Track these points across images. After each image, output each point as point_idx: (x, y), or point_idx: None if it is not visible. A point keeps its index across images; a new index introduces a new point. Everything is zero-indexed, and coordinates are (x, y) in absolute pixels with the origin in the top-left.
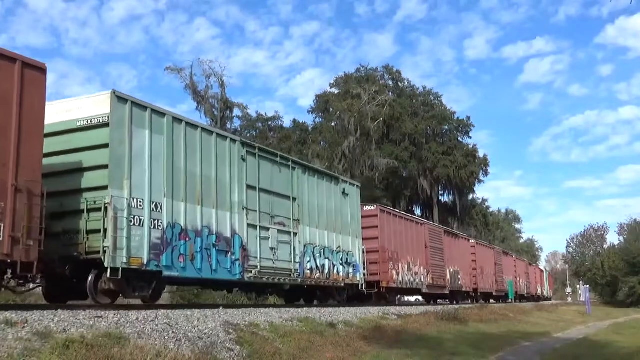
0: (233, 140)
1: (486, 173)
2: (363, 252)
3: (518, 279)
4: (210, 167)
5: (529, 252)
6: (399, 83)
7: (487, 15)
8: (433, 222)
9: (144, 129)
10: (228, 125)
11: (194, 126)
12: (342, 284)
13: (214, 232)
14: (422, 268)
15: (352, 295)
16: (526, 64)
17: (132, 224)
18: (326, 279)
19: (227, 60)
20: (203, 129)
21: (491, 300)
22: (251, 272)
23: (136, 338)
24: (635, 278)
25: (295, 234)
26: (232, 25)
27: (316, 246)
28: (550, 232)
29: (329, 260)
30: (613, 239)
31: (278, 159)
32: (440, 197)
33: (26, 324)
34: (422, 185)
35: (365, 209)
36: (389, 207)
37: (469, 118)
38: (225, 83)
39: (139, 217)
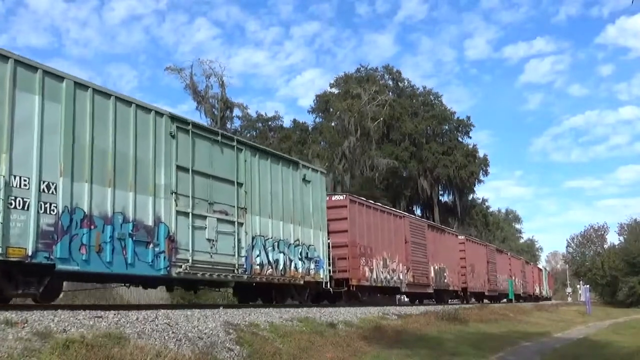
0: (159, 114)
1: (486, 173)
2: (328, 247)
3: (513, 277)
4: (128, 144)
5: (529, 252)
6: (399, 83)
7: (488, 15)
8: (433, 221)
9: (32, 94)
10: (228, 125)
11: (105, 94)
12: (302, 282)
13: (131, 220)
14: (401, 265)
15: (318, 295)
16: (527, 64)
17: (11, 206)
18: (281, 275)
19: (228, 60)
20: (118, 99)
21: (485, 300)
22: (180, 266)
23: (136, 338)
24: (635, 278)
25: (241, 224)
26: (232, 25)
27: (268, 238)
28: (550, 232)
29: (285, 254)
30: (613, 239)
31: (219, 138)
32: (440, 197)
33: (26, 324)
34: (422, 185)
35: (333, 198)
36: (369, 199)
37: (469, 118)
38: (225, 83)
39: (21, 198)
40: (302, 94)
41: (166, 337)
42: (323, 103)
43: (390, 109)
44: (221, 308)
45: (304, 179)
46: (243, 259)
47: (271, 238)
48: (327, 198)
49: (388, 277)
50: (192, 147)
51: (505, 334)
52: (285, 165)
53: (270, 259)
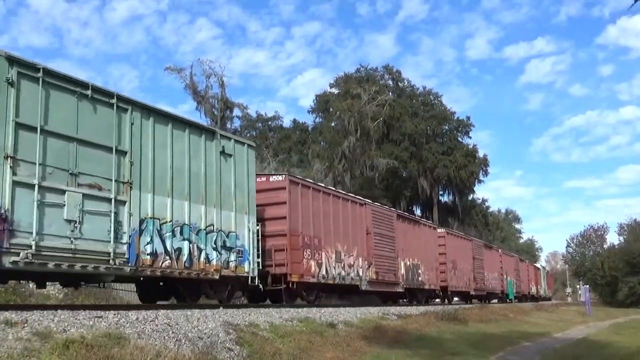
0: None
1: (486, 173)
2: (258, 235)
3: (505, 276)
4: None
5: (529, 252)
6: (399, 83)
7: (489, 16)
8: (433, 222)
9: None
10: (228, 125)
11: None
12: (217, 276)
13: None
14: (360, 259)
15: (255, 293)
16: (527, 64)
17: None
18: (184, 268)
19: (229, 60)
20: None
21: (474, 301)
22: (18, 254)
23: (136, 338)
24: (635, 278)
25: (123, 203)
26: (233, 25)
27: (166, 222)
28: (550, 232)
29: (191, 242)
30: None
31: (89, 92)
32: (440, 197)
33: (26, 324)
34: (422, 186)
35: (270, 179)
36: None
37: (468, 118)
38: (225, 83)
39: None
40: (302, 94)
41: (166, 337)
42: (323, 103)
43: (390, 109)
44: (221, 308)
45: (222, 152)
46: (124, 247)
47: (170, 222)
48: (264, 179)
49: (343, 273)
50: (45, 100)
51: (505, 334)
52: (196, 133)
53: (169, 247)
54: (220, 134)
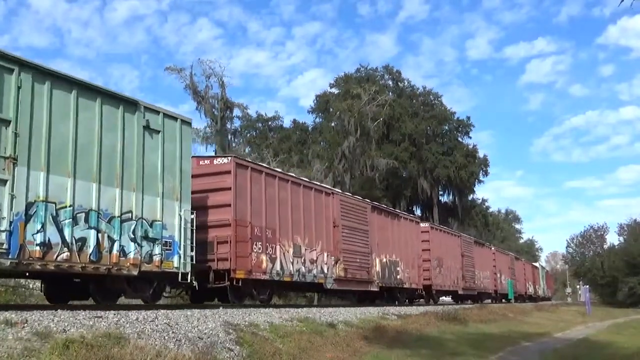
0: None
1: (486, 173)
2: (192, 225)
3: (498, 275)
4: None
5: (529, 252)
6: (399, 83)
7: (489, 16)
8: (433, 222)
9: None
10: (228, 125)
11: None
12: (135, 272)
13: None
14: (326, 255)
15: (203, 292)
16: (528, 64)
17: None
18: (90, 262)
19: (229, 60)
20: None
21: (468, 301)
22: None
23: (136, 338)
24: (635, 278)
25: (4, 182)
26: (234, 25)
27: (64, 207)
28: (551, 232)
29: (101, 232)
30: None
31: None
32: (440, 198)
33: (26, 324)
34: (422, 186)
35: (215, 162)
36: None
37: (468, 118)
38: (225, 83)
39: None
40: (303, 94)
41: (166, 337)
42: (323, 103)
43: (390, 109)
44: (221, 308)
45: (147, 127)
46: (3, 235)
47: (71, 206)
48: (208, 161)
49: (303, 269)
50: None
51: (505, 334)
52: (111, 103)
53: (68, 237)
54: (145, 106)
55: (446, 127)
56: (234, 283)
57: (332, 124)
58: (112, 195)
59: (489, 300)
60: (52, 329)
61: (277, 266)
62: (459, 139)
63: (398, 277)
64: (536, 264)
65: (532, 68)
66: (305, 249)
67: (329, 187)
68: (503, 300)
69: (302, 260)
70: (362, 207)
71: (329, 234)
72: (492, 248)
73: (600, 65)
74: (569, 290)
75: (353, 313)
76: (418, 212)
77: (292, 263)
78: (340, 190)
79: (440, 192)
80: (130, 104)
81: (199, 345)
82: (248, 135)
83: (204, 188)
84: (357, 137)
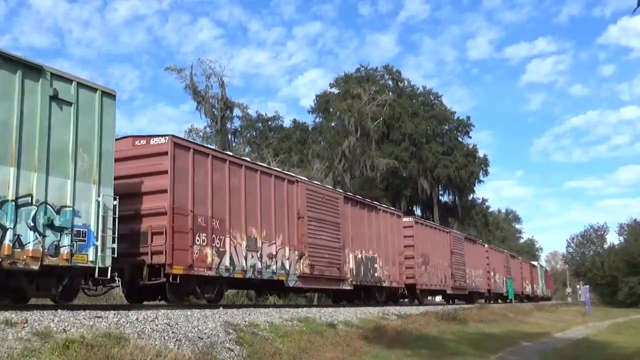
0: None
1: (486, 173)
2: (114, 212)
3: (491, 273)
4: None
5: (529, 252)
6: (399, 83)
7: (490, 16)
8: (433, 221)
9: None
10: (228, 125)
11: None
12: (35, 266)
13: None
14: (288, 249)
15: (141, 290)
16: (528, 64)
17: None
18: None
19: (230, 60)
20: None
21: (457, 301)
22: None
23: (136, 338)
24: (635, 278)
25: None
26: (235, 25)
27: None
28: (551, 232)
29: None
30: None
31: None
32: (440, 197)
33: (26, 324)
34: (422, 185)
35: (152, 142)
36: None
37: (468, 118)
38: (225, 83)
39: None
40: (304, 94)
41: (166, 337)
42: (323, 103)
43: (390, 109)
44: (221, 308)
45: (55, 98)
46: None
47: None
48: (144, 141)
49: (259, 265)
50: None
51: (505, 334)
52: (5, 67)
53: None
54: (53, 73)
55: (446, 127)
56: (172, 280)
57: (332, 124)
58: (4, 175)
59: (483, 300)
60: (52, 329)
61: (226, 261)
62: (459, 138)
63: (376, 274)
64: (534, 263)
65: (533, 68)
66: (263, 242)
67: (293, 174)
68: (499, 301)
69: (259, 255)
70: (333, 198)
71: (293, 226)
72: (486, 245)
73: (600, 65)
74: (569, 290)
75: (353, 313)
76: (418, 212)
77: (246, 258)
78: (306, 178)
79: (440, 192)
80: (33, 70)
81: (199, 345)
82: (248, 135)
83: (140, 172)
84: (357, 137)
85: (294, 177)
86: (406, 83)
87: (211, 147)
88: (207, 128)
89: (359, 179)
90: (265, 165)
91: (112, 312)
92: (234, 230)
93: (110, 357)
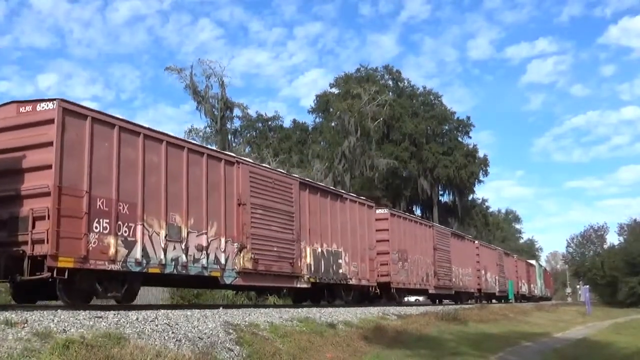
0: None
1: (486, 173)
2: None
3: (482, 272)
4: None
5: (529, 252)
6: (399, 83)
7: (491, 16)
8: (433, 220)
9: None
10: (228, 125)
11: None
12: None
13: None
14: (223, 240)
15: (36, 289)
16: (529, 64)
17: None
18: None
19: (231, 60)
20: None
21: (444, 301)
22: None
23: (136, 338)
24: (635, 278)
25: None
26: (236, 25)
27: None
28: (551, 232)
29: None
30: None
31: None
32: (440, 197)
33: (26, 324)
34: (422, 185)
35: (39, 108)
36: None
37: (469, 118)
38: (225, 83)
39: None
40: (304, 94)
41: (166, 337)
42: (323, 103)
43: (390, 109)
44: (221, 308)
45: None
46: None
47: None
48: (29, 107)
49: (184, 258)
50: None
51: (505, 334)
52: None
53: None
54: None
55: (446, 127)
56: (60, 275)
57: (332, 124)
58: None
59: (473, 301)
60: (52, 329)
61: (137, 253)
62: (459, 138)
63: (340, 271)
64: (532, 261)
65: (533, 68)
66: (190, 232)
67: (233, 154)
68: (493, 301)
69: (183, 247)
70: (286, 184)
71: (231, 214)
72: (476, 242)
73: (601, 65)
74: (569, 290)
75: (353, 313)
76: (418, 212)
77: (166, 250)
78: (250, 160)
79: (440, 192)
80: None
81: (199, 345)
82: (248, 135)
83: (23, 144)
84: (357, 137)
85: (233, 157)
86: (406, 83)
87: (120, 117)
88: (207, 128)
89: (359, 179)
90: (195, 142)
91: (112, 312)
92: (149, 216)
93: (110, 357)
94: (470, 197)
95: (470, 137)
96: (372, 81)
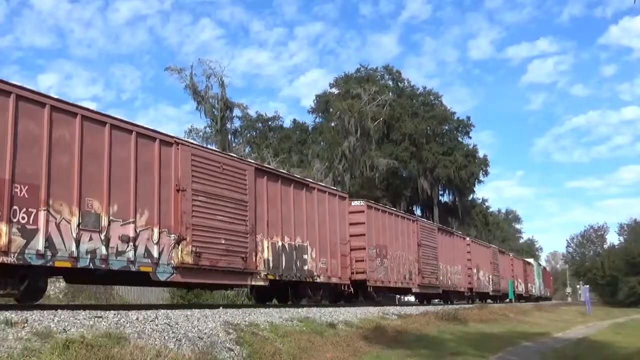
0: None
1: (486, 173)
2: None
3: (474, 270)
4: None
5: (529, 251)
6: (399, 83)
7: (491, 16)
8: (433, 221)
9: None
10: (228, 126)
11: None
12: None
13: None
14: (157, 231)
15: None
16: (529, 64)
17: None
18: None
19: (231, 60)
20: None
21: (436, 301)
22: None
23: (136, 338)
24: (635, 278)
25: None
26: (236, 25)
27: None
28: (551, 232)
29: None
30: (613, 239)
31: None
32: (440, 198)
33: (26, 324)
34: (422, 186)
35: None
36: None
37: (469, 118)
38: (225, 83)
39: None
40: (305, 94)
41: (166, 337)
42: (323, 103)
43: (390, 109)
44: (221, 308)
45: None
46: None
47: None
48: None
49: (104, 251)
50: None
51: (505, 334)
52: None
53: None
54: None
55: (446, 127)
56: None
57: (332, 124)
58: None
59: (464, 301)
60: (52, 329)
61: (39, 243)
62: (459, 139)
63: (305, 267)
64: (529, 260)
65: (534, 68)
66: (112, 221)
67: (171, 134)
68: (488, 301)
69: (103, 237)
70: (238, 169)
71: (167, 201)
72: (467, 238)
73: (602, 65)
74: (569, 290)
75: (353, 313)
76: (418, 212)
77: (79, 240)
78: (193, 141)
79: (440, 192)
80: None
81: (199, 345)
82: (248, 135)
83: None
84: (357, 137)
85: (171, 137)
86: (406, 83)
87: (18, 84)
88: (207, 128)
89: (359, 179)
90: (121, 118)
91: (112, 312)
92: (56, 201)
93: (110, 357)
94: (470, 197)
95: (470, 138)
96: (372, 81)
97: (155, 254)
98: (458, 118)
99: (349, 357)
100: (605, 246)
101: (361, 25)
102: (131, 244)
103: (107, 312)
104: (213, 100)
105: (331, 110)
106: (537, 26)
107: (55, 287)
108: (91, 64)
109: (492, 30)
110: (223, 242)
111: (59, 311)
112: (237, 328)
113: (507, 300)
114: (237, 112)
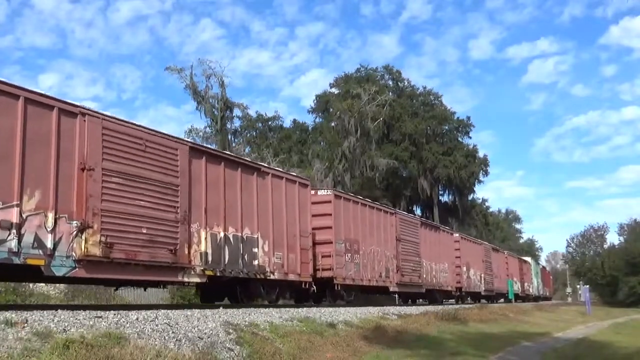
0: None
1: (486, 173)
2: None
3: (464, 268)
4: None
5: (529, 251)
6: (399, 83)
7: (492, 16)
8: (434, 221)
9: None
10: (228, 125)
11: None
12: None
13: None
14: (50, 216)
15: None
16: (530, 64)
17: None
18: None
19: (232, 60)
20: None
21: (420, 300)
22: None
23: (136, 338)
24: (635, 278)
25: None
26: (237, 25)
27: None
28: (551, 232)
29: None
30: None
31: None
32: (440, 198)
33: (26, 324)
34: (422, 186)
35: None
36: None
37: (469, 118)
38: (225, 83)
39: None
40: (305, 94)
41: (166, 337)
42: (323, 103)
43: (390, 109)
44: (221, 308)
45: None
46: None
47: None
48: None
49: None
50: None
51: (505, 334)
52: None
53: None
54: None
55: (446, 127)
56: None
57: (332, 124)
58: None
59: (453, 301)
60: (52, 329)
61: None
62: (459, 139)
63: (255, 262)
64: (526, 258)
65: (534, 68)
66: None
67: (75, 102)
68: (482, 301)
69: None
70: (167, 148)
71: (68, 181)
72: (456, 234)
73: (602, 65)
74: (569, 290)
75: (353, 313)
76: (418, 212)
77: None
78: (106, 112)
79: (440, 192)
80: None
81: (199, 345)
82: (248, 135)
83: None
84: (357, 137)
85: (76, 106)
86: (406, 83)
87: None
88: (207, 128)
89: (359, 179)
90: (4, 80)
91: (112, 312)
92: None
93: (110, 357)
94: (470, 197)
95: (470, 138)
96: (372, 81)
97: (49, 244)
98: (458, 118)
99: (349, 357)
100: (605, 246)
101: (362, 25)
102: (14, 231)
103: (107, 312)
104: (213, 100)
105: (331, 110)
106: (538, 26)
107: (56, 287)
108: (92, 64)
109: (492, 31)
110: (144, 231)
111: (59, 311)
112: (237, 328)
113: (502, 300)
114: (237, 112)
